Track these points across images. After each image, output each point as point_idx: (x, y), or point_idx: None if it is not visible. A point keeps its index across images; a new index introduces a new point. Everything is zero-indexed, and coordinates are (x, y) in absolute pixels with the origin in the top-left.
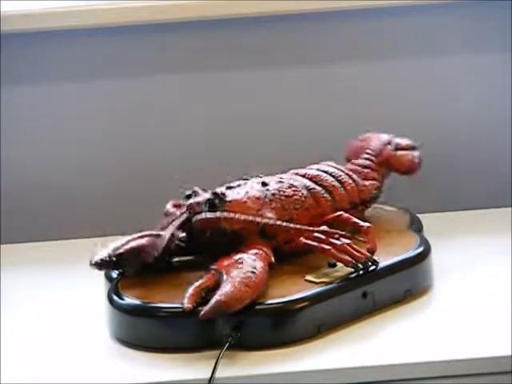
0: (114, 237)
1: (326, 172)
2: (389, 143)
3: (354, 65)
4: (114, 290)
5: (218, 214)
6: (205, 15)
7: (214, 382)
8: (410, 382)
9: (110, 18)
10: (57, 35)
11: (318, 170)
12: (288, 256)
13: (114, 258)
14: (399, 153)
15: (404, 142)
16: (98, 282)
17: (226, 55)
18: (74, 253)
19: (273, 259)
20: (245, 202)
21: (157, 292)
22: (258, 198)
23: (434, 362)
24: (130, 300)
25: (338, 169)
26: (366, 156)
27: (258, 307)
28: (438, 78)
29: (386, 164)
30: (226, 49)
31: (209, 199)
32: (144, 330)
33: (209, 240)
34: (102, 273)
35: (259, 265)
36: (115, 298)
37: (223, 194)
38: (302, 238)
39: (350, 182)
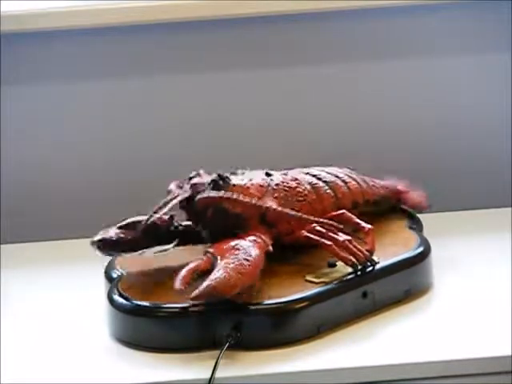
0: None
1: (328, 173)
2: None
3: (354, 65)
4: (114, 289)
5: (221, 193)
6: (205, 15)
7: (213, 382)
8: (410, 382)
9: (110, 18)
10: (57, 35)
11: (321, 170)
12: (288, 249)
13: (114, 238)
14: (412, 191)
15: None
16: (98, 282)
17: (226, 55)
18: (74, 253)
19: (271, 248)
20: (248, 187)
21: (157, 292)
22: (261, 186)
23: (434, 362)
24: (130, 300)
25: (342, 172)
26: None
27: (258, 307)
28: (438, 78)
29: (397, 196)
30: (226, 49)
31: (213, 180)
32: (144, 330)
33: (210, 220)
34: (102, 273)
35: (255, 253)
36: (115, 297)
37: (227, 177)
38: (303, 231)
39: (354, 183)
